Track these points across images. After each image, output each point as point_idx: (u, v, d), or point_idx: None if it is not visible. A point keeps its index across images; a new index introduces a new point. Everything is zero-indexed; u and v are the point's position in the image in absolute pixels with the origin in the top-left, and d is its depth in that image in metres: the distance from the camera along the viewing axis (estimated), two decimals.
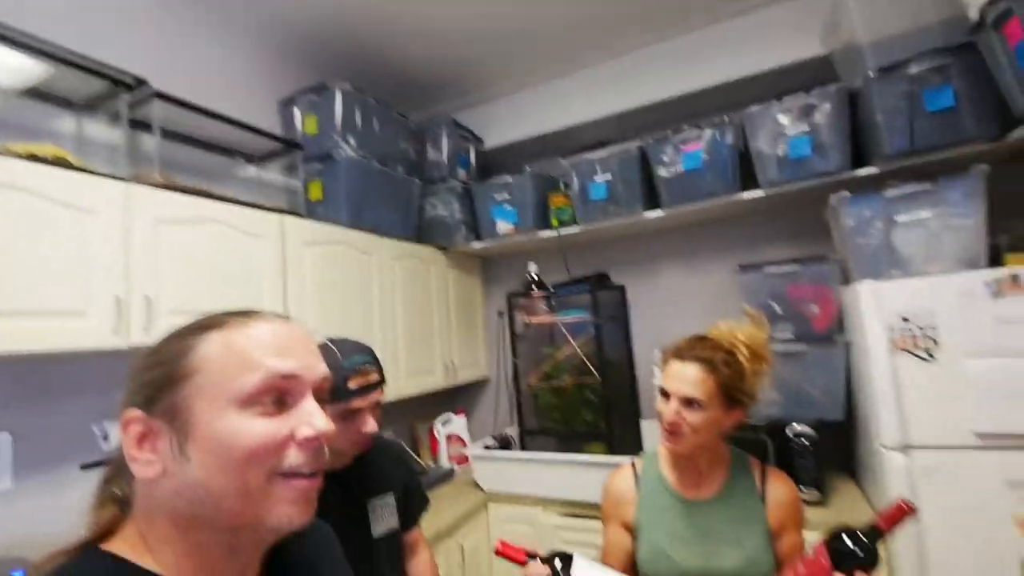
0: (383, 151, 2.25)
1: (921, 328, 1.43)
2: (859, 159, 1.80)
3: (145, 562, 0.48)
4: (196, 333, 0.51)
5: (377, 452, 1.21)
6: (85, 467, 1.43)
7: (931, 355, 1.41)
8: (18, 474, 1.32)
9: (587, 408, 2.22)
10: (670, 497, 1.09)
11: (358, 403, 1.03)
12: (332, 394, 0.94)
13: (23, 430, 1.34)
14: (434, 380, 2.39)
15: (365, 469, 1.16)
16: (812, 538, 1.49)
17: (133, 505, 0.51)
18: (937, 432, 1.39)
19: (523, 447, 2.19)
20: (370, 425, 1.05)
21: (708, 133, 1.96)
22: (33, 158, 1.21)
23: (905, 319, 1.45)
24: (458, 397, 2.93)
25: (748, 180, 1.96)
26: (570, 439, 2.30)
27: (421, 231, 2.51)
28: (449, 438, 2.51)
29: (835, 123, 1.77)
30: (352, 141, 2.09)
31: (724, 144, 1.95)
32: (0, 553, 1.21)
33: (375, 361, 1.11)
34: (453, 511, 1.95)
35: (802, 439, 1.67)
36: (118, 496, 0.52)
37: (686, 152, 2.00)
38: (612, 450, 1.98)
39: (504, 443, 2.23)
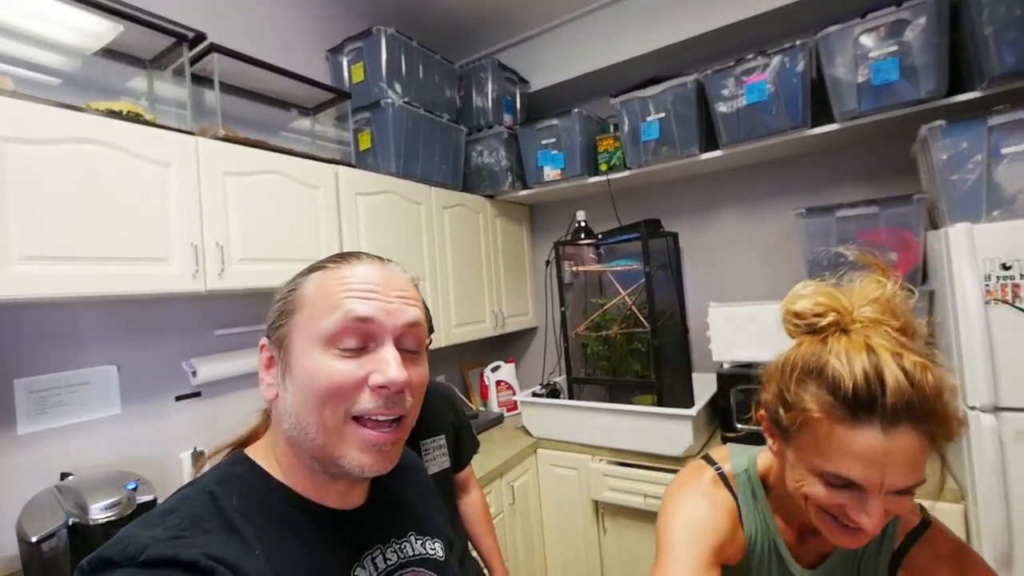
0: (429, 98, 2.21)
1: None
2: (954, 86, 1.56)
3: (272, 469, 0.55)
4: (307, 272, 0.56)
5: (429, 396, 1.24)
6: (179, 398, 1.62)
7: None
8: (125, 402, 1.50)
9: (636, 358, 2.19)
10: (780, 563, 0.71)
11: None
12: None
13: (127, 364, 1.51)
14: (483, 328, 2.43)
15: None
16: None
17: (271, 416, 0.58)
18: None
19: (571, 396, 2.20)
20: None
21: (775, 61, 1.76)
22: (111, 113, 1.29)
23: (1006, 266, 1.29)
24: (508, 345, 2.98)
25: (820, 112, 1.76)
26: (619, 389, 2.29)
27: (468, 179, 2.48)
28: (498, 384, 2.57)
29: (931, 40, 1.53)
30: (398, 88, 2.06)
31: (793, 72, 1.74)
32: (116, 467, 1.39)
33: (424, 307, 1.13)
34: (503, 453, 2.01)
35: None
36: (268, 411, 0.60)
37: (749, 84, 1.81)
38: (661, 401, 1.96)
39: (552, 391, 2.25)
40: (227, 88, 1.74)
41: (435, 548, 0.65)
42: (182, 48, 1.50)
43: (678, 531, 0.66)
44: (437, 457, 1.25)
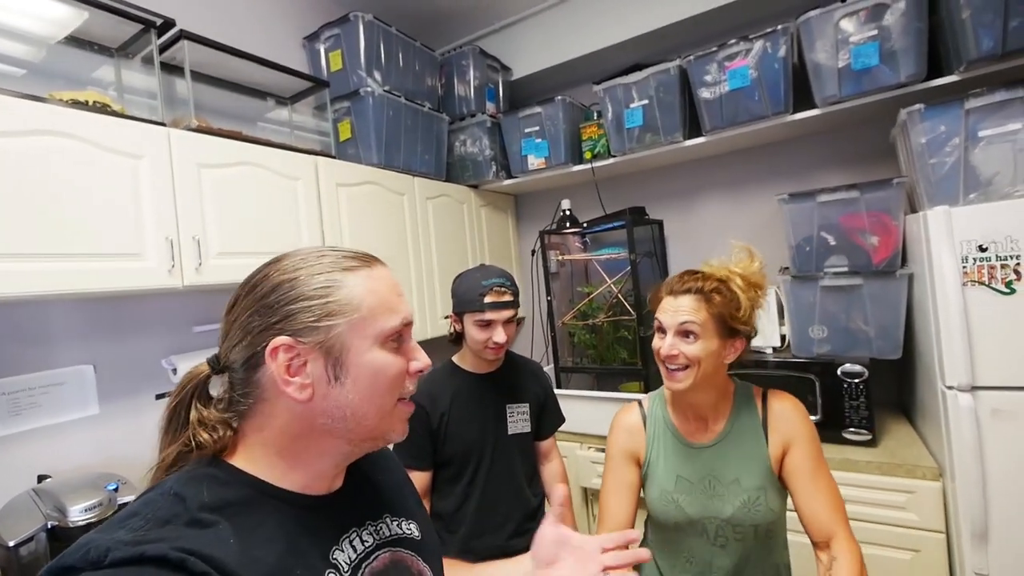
0: (409, 87, 2.17)
1: (1000, 258, 1.29)
2: (933, 70, 1.58)
3: (244, 465, 0.55)
4: (333, 270, 0.56)
5: (518, 368, 1.45)
6: (159, 397, 1.59)
7: (1011, 288, 1.28)
8: (103, 401, 1.47)
9: (623, 346, 2.20)
10: (674, 440, 1.08)
11: (490, 315, 1.24)
12: (471, 306, 1.24)
13: (104, 363, 1.47)
14: None
15: (506, 379, 1.40)
16: (860, 480, 1.47)
17: (243, 428, 0.56)
18: (1012, 372, 1.28)
19: (559, 384, 2.21)
20: (498, 335, 1.26)
21: (757, 46, 1.76)
22: (76, 104, 1.24)
23: (982, 248, 1.31)
24: None
25: (802, 98, 1.76)
26: (606, 377, 2.30)
27: (451, 169, 2.45)
28: None
29: (910, 24, 1.54)
30: (378, 76, 2.02)
31: (775, 57, 1.74)
32: (96, 469, 1.37)
33: (512, 285, 1.29)
34: None
35: (853, 379, 1.59)
36: (229, 422, 0.57)
37: (732, 69, 1.81)
38: (648, 388, 1.97)
39: None
40: (200, 77, 1.69)
41: (411, 528, 0.67)
42: (150, 35, 1.45)
43: (610, 455, 1.13)
44: (519, 421, 1.39)
